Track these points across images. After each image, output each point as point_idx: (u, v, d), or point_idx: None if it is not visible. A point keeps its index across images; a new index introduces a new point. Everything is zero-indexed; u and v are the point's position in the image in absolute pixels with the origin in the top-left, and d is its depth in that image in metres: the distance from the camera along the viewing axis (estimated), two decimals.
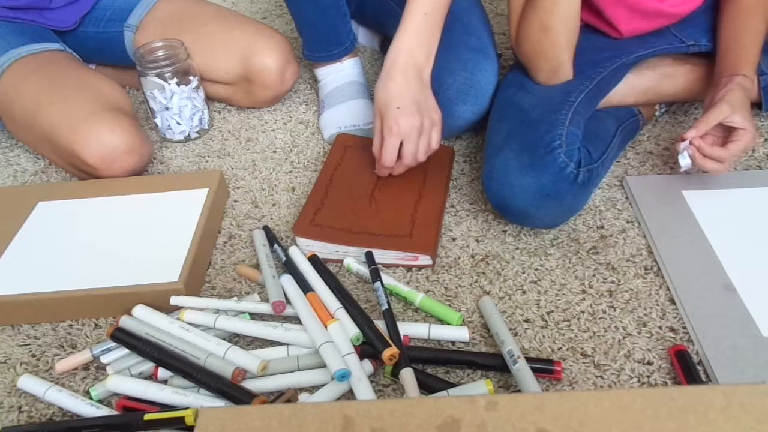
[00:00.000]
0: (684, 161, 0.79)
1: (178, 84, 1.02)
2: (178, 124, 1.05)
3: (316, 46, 1.07)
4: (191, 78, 1.03)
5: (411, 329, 0.70)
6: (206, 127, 1.09)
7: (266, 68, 1.04)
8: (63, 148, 0.90)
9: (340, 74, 1.08)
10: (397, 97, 0.81)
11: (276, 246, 0.81)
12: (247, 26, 1.06)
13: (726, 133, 0.79)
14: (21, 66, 0.96)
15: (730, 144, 0.77)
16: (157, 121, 1.06)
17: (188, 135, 1.07)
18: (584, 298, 0.74)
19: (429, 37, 0.83)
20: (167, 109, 1.03)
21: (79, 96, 0.92)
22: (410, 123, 0.81)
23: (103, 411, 0.63)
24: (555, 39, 0.80)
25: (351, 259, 0.80)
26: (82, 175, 0.96)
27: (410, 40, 0.82)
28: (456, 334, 0.70)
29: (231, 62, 1.05)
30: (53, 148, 0.94)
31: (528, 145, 0.76)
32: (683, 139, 0.79)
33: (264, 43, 1.04)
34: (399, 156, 0.83)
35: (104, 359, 0.69)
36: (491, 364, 0.66)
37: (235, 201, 0.94)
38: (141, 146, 0.93)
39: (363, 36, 1.29)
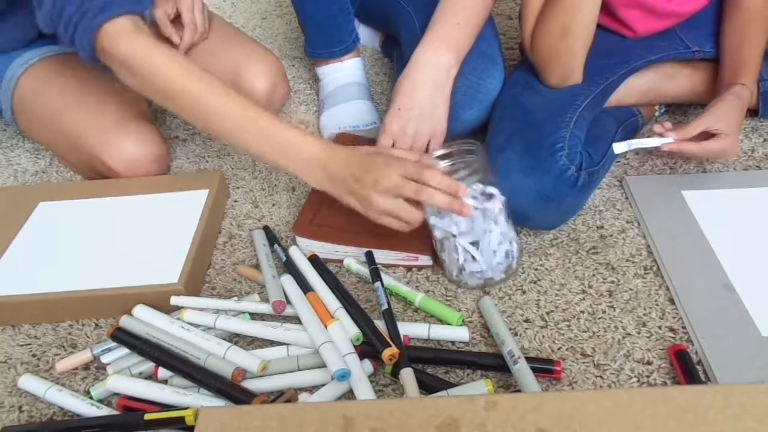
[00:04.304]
0: (619, 149, 0.80)
1: None
2: None
3: (317, 42, 1.07)
4: None
5: (411, 329, 0.70)
6: None
7: (255, 91, 1.02)
8: (88, 152, 0.91)
9: (341, 74, 1.08)
10: (402, 96, 0.83)
11: (276, 246, 0.81)
12: (239, 46, 1.04)
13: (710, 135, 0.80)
14: (47, 64, 0.96)
15: (705, 142, 0.79)
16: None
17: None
18: (584, 298, 0.74)
19: (458, 43, 0.84)
20: None
21: (106, 101, 0.93)
22: (401, 127, 0.82)
23: (104, 411, 0.64)
24: (572, 44, 0.80)
25: (351, 259, 0.80)
26: (95, 176, 0.95)
27: (439, 41, 0.83)
28: (456, 334, 0.70)
29: None
30: (74, 150, 0.94)
31: (531, 147, 0.76)
32: (661, 134, 0.79)
33: (254, 65, 1.02)
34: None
35: (104, 359, 0.69)
36: (491, 364, 0.66)
37: (235, 201, 0.94)
38: (165, 155, 0.95)
39: (364, 35, 1.29)
